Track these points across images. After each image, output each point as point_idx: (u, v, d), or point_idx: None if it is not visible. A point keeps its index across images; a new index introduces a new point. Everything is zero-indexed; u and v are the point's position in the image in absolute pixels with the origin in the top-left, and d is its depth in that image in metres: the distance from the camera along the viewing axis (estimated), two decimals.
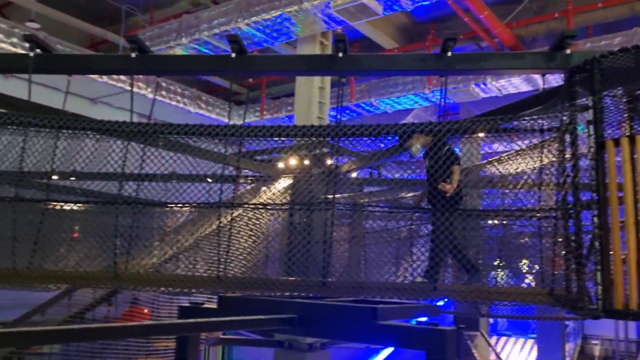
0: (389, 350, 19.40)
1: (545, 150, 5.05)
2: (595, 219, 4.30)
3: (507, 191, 5.52)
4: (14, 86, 9.21)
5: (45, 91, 10.58)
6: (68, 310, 7.99)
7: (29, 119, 5.47)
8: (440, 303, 6.63)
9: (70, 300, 7.89)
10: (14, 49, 11.28)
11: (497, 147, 13.87)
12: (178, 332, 4.68)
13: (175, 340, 5.58)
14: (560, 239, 4.73)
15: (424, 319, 6.94)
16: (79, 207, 6.13)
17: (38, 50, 6.02)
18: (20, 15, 13.05)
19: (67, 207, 6.06)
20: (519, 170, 5.60)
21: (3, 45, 11.27)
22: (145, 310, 9.25)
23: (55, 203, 5.82)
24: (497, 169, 6.01)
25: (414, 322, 6.48)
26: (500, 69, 5.84)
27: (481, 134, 5.56)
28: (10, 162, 5.57)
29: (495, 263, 5.89)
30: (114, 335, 4.41)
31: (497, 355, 10.41)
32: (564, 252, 4.63)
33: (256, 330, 9.87)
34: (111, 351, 8.90)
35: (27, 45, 6.08)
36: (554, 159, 4.98)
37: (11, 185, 5.60)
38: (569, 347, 16.90)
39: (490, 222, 6.11)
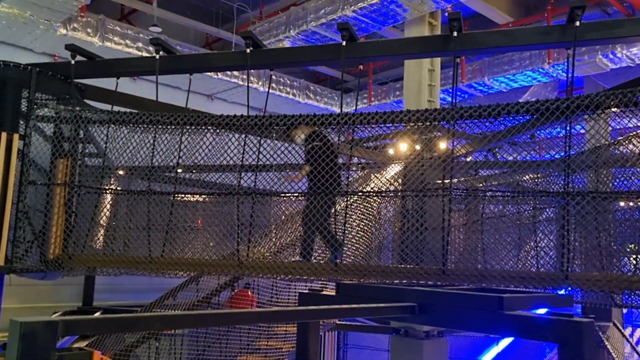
0: (508, 340, 18.63)
1: None
2: None
3: None
4: (140, 88, 9.95)
5: (168, 90, 11.33)
6: (196, 295, 8.52)
7: (158, 117, 5.85)
8: (561, 292, 6.20)
9: (197, 285, 8.41)
10: (139, 53, 12.17)
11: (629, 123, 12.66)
12: (301, 319, 4.80)
13: (297, 326, 5.72)
14: None
15: (544, 310, 6.53)
16: (203, 198, 6.48)
17: (163, 53, 6.40)
18: (143, 21, 14.02)
19: (192, 198, 6.44)
20: None
21: (130, 50, 12.19)
22: (250, 293, 9.63)
23: (182, 195, 6.20)
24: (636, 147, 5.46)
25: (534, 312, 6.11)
26: (636, 35, 5.26)
27: (613, 109, 5.07)
28: (143, 158, 6.00)
29: (631, 249, 5.39)
30: (243, 320, 4.61)
31: (634, 347, 9.57)
32: None
33: (372, 317, 9.91)
34: (235, 333, 9.39)
35: (151, 48, 6.49)
36: None
37: (143, 179, 6.04)
38: None
39: (622, 204, 5.60)
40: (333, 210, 5.78)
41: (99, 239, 6.34)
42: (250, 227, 5.66)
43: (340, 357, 12.41)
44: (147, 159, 5.87)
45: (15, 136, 6.08)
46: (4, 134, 6.00)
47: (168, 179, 6.43)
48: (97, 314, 9.45)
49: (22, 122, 6.24)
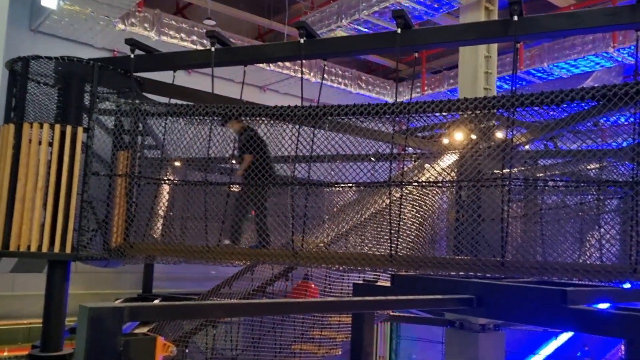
0: (567, 335, 18.03)
1: None
2: None
3: None
4: (195, 81, 10.15)
5: (221, 83, 11.51)
6: (250, 284, 8.65)
7: (213, 109, 5.94)
8: (627, 285, 5.92)
9: (252, 274, 8.53)
10: (193, 46, 12.41)
11: None
12: (356, 309, 4.77)
13: (352, 316, 5.71)
14: None
15: (606, 304, 6.24)
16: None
17: (218, 45, 6.49)
18: (197, 14, 14.29)
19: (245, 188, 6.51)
20: None
21: (185, 43, 12.45)
22: (313, 285, 9.66)
23: (236, 186, 6.30)
24: None
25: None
26: None
27: None
28: (199, 149, 6.12)
29: None
30: (298, 310, 4.64)
31: None
32: None
33: (426, 309, 9.79)
34: (290, 322, 9.49)
35: (205, 41, 6.59)
36: None
37: (200, 170, 6.17)
38: None
39: None
40: (264, 201, 6.09)
41: (158, 228, 6.52)
42: (304, 218, 5.68)
43: (393, 348, 12.35)
44: (204, 150, 5.98)
45: (80, 129, 6.32)
46: (69, 128, 6.25)
47: (223, 169, 6.54)
48: (156, 301, 9.77)
49: (85, 116, 6.47)
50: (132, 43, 6.71)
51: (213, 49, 6.41)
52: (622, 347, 4.04)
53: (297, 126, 5.74)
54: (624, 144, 5.52)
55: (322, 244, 6.05)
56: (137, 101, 6.36)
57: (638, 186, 4.46)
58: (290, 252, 5.54)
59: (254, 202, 5.92)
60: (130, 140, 6.40)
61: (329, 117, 5.83)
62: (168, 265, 6.60)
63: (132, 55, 6.68)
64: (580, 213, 5.89)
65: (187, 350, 7.27)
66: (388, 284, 5.83)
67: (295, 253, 5.51)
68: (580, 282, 5.21)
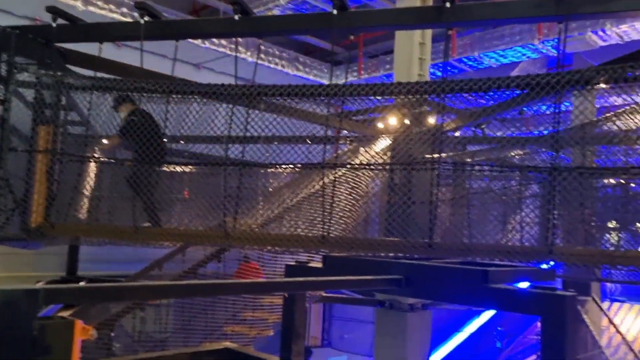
0: (490, 313, 18.98)
1: None
2: None
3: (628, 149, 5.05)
4: (124, 55, 9.72)
5: (153, 58, 11.09)
6: (182, 266, 8.49)
7: (142, 85, 5.72)
8: (544, 266, 6.28)
9: (183, 256, 8.36)
10: (124, 19, 11.87)
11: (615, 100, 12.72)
12: (287, 290, 4.78)
13: (283, 297, 5.73)
14: None
15: (526, 284, 6.60)
16: (190, 169, 6.41)
17: (148, 18, 6.23)
18: None
19: (178, 169, 6.36)
20: None
21: (114, 15, 11.89)
22: (257, 267, 9.63)
23: (168, 165, 6.13)
24: (617, 124, 5.48)
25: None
26: (633, 10, 5.21)
27: (602, 85, 5.06)
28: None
29: (612, 225, 5.46)
30: (230, 291, 4.60)
31: (611, 321, 9.80)
32: None
33: (357, 290, 9.99)
34: (221, 304, 9.42)
35: (136, 14, 6.32)
36: None
37: (127, 148, 5.95)
38: None
39: (606, 181, 5.64)
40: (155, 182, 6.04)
41: (83, 208, 6.25)
42: (237, 199, 5.61)
43: (326, 328, 12.56)
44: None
45: None
46: None
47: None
48: (81, 283, 9.40)
49: (1, 87, 6.06)
50: (54, 11, 6.32)
51: (142, 21, 6.16)
52: (539, 324, 4.29)
53: (230, 105, 5.64)
54: (545, 133, 5.80)
55: (255, 226, 6.01)
56: (59, 73, 6.02)
57: (555, 172, 4.70)
58: (222, 232, 5.46)
59: (142, 182, 5.81)
60: (52, 114, 6.06)
61: (264, 97, 5.77)
62: (95, 247, 6.36)
63: (54, 25, 6.31)
64: (504, 197, 6.16)
65: (112, 334, 7.05)
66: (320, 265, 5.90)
67: (227, 234, 5.44)
68: (501, 263, 5.47)
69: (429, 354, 12.42)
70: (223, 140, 5.71)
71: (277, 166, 5.90)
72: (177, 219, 6.08)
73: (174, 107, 5.77)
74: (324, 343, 12.50)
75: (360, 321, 13.54)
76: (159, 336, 8.04)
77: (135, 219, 5.75)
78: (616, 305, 20.39)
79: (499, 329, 18.86)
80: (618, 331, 9.66)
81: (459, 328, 19.21)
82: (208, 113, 5.92)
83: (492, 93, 5.11)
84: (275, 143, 5.97)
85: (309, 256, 7.99)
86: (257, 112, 5.71)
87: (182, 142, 6.37)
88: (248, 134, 5.64)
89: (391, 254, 5.70)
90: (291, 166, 5.75)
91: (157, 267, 8.35)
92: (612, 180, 5.66)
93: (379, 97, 5.51)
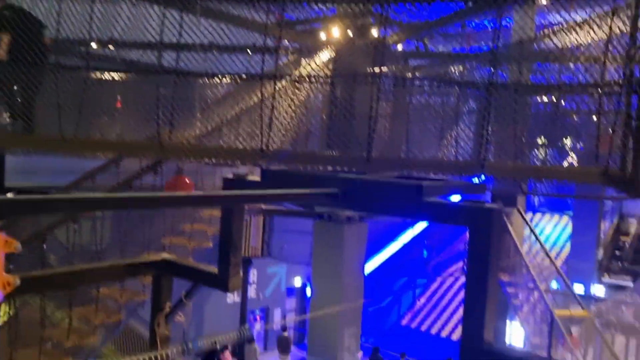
0: (423, 225, 19.96)
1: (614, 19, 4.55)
2: None
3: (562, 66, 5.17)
4: None
5: None
6: (116, 178, 8.25)
7: None
8: (475, 180, 6.55)
9: (118, 168, 8.10)
10: None
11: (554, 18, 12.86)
12: (225, 204, 4.77)
13: (221, 210, 5.72)
14: (620, 117, 4.43)
15: (458, 197, 6.90)
16: (120, 76, 6.05)
17: None
18: None
19: (107, 76, 5.99)
20: (578, 43, 5.15)
21: None
22: (188, 180, 9.51)
23: (96, 72, 5.75)
24: (554, 42, 5.55)
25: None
26: None
27: (543, 1, 5.07)
28: (51, 29, 5.44)
29: (541, 141, 5.69)
30: (166, 204, 4.52)
31: (532, 230, 10.55)
32: (622, 130, 4.35)
33: (297, 203, 10.14)
34: (159, 217, 9.35)
35: None
36: (623, 29, 4.51)
37: (50, 51, 5.51)
38: (604, 225, 16.95)
39: (539, 99, 5.81)
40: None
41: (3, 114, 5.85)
42: (172, 110, 5.40)
43: (266, 240, 12.81)
44: (53, 30, 5.32)
45: None
46: None
47: (80, 53, 5.90)
48: (9, 195, 9.02)
49: None
50: None
51: None
52: (467, 234, 4.51)
53: (162, 8, 5.27)
54: (485, 49, 5.82)
55: (191, 137, 5.85)
56: None
57: (492, 87, 4.76)
58: (156, 144, 5.29)
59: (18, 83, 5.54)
60: None
61: (199, 1, 5.43)
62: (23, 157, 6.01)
63: None
64: (441, 112, 6.25)
65: (44, 246, 6.89)
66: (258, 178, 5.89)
67: (162, 146, 5.27)
68: (436, 177, 5.65)
69: (364, 263, 13.02)
70: (155, 47, 5.38)
71: (215, 76, 5.66)
72: (107, 130, 5.81)
73: (100, 9, 5.33)
74: (264, 254, 12.80)
75: (300, 232, 13.87)
76: (94, 248, 7.93)
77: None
78: (538, 215, 21.92)
79: (425, 242, 19.99)
80: (537, 239, 10.41)
81: (394, 238, 20.13)
82: (139, 16, 5.53)
83: (435, 4, 5.02)
84: (213, 51, 5.70)
85: (249, 170, 7.96)
86: (192, 17, 5.38)
87: (110, 47, 5.92)
88: (183, 41, 5.33)
89: (330, 168, 5.75)
90: (229, 76, 5.54)
91: (89, 178, 8.09)
92: (544, 98, 5.83)
93: (320, 5, 5.31)
